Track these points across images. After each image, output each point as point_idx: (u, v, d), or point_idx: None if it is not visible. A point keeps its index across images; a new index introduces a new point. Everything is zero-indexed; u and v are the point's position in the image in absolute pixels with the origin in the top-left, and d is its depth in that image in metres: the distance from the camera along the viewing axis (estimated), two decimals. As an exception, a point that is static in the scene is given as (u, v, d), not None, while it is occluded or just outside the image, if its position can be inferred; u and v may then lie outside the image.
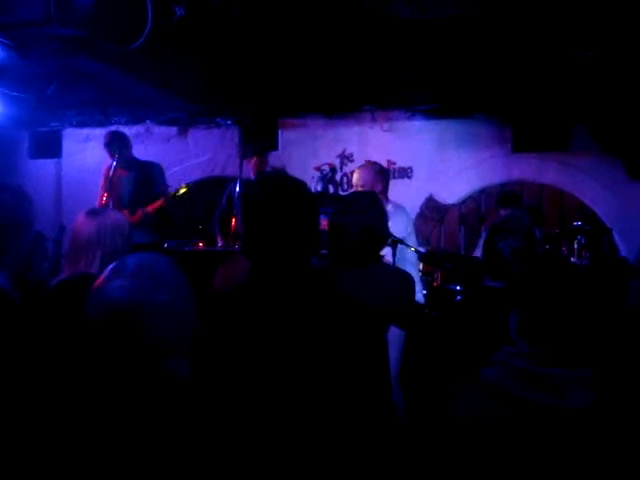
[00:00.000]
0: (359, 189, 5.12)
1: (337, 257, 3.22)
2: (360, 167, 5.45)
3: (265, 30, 5.44)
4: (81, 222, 3.21)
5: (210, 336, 2.21)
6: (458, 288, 6.12)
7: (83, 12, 3.86)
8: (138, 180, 6.50)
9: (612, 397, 1.93)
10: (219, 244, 6.59)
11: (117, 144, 6.52)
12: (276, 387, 2.05)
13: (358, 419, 2.10)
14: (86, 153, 8.77)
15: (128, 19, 4.15)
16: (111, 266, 1.83)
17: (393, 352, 2.99)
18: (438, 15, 5.25)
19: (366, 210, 3.14)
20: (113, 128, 8.36)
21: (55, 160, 9.01)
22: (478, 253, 6.96)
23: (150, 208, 6.19)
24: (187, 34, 5.02)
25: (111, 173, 6.47)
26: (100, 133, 8.64)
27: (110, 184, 6.50)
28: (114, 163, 6.48)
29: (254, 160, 6.82)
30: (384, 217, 3.28)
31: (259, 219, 2.18)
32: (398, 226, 4.79)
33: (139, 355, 1.69)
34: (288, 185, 2.26)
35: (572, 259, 6.24)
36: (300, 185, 2.30)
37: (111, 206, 6.35)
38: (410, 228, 5.19)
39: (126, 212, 6.09)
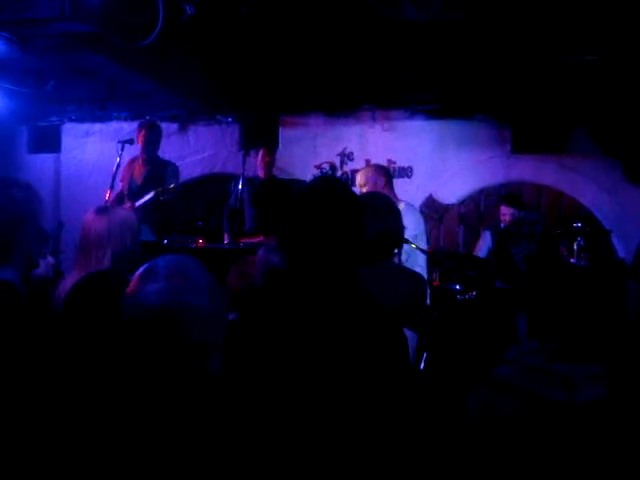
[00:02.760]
0: (362, 190, 5.15)
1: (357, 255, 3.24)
2: (363, 168, 5.50)
3: (269, 29, 5.46)
4: (91, 219, 3.21)
5: (239, 332, 2.22)
6: (458, 287, 6.13)
7: (95, 9, 3.87)
8: (149, 176, 6.52)
9: (620, 393, 1.96)
10: (226, 242, 6.61)
11: (155, 134, 6.59)
12: (307, 388, 2.07)
13: (384, 421, 2.12)
14: (85, 148, 8.75)
15: (139, 17, 4.16)
16: (142, 269, 1.86)
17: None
18: (441, 17, 5.29)
19: (384, 209, 3.17)
20: (113, 123, 8.40)
21: (54, 155, 8.96)
22: (475, 253, 7.00)
23: (136, 203, 6.18)
24: (190, 31, 5.03)
25: (128, 161, 6.55)
26: (99, 128, 8.67)
27: (123, 172, 6.56)
28: (138, 155, 6.52)
29: (261, 153, 6.83)
30: (400, 217, 3.31)
31: (307, 217, 2.19)
32: (410, 225, 4.83)
33: (176, 357, 1.71)
34: (340, 189, 2.29)
35: (571, 260, 6.28)
36: (351, 190, 2.33)
37: (114, 198, 6.39)
38: (420, 228, 5.22)
39: (128, 206, 6.12)
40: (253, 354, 2.09)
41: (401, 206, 5.11)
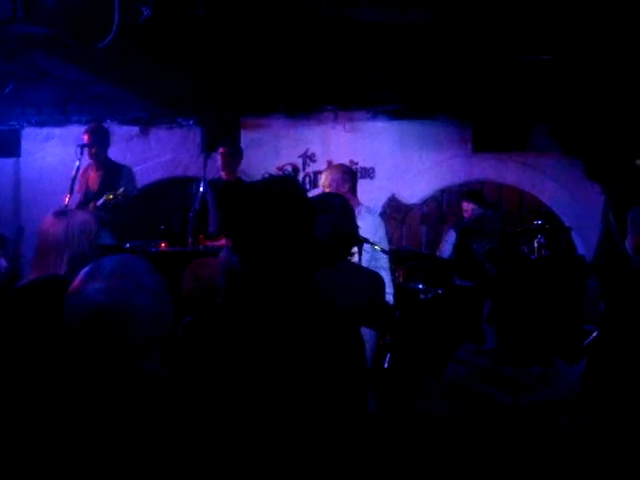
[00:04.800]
0: (326, 190, 5.15)
1: (310, 256, 3.24)
2: (328, 169, 5.50)
3: (229, 31, 5.45)
4: (49, 223, 3.17)
5: (187, 336, 2.21)
6: (420, 286, 6.17)
7: (50, 11, 3.83)
8: (104, 181, 6.45)
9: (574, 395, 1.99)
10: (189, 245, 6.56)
11: (99, 138, 6.50)
12: (257, 388, 2.07)
13: (339, 422, 2.12)
14: (46, 153, 8.64)
15: (95, 18, 4.13)
16: (87, 269, 1.84)
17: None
18: (399, 19, 5.32)
19: (337, 209, 3.16)
20: (73, 127, 8.31)
21: (14, 159, 8.85)
22: (440, 252, 7.05)
23: (97, 203, 6.11)
24: (149, 34, 5.00)
25: (81, 171, 6.46)
26: (60, 132, 8.57)
27: (79, 182, 6.49)
28: (90, 161, 6.46)
29: (219, 151, 6.77)
30: (352, 217, 3.30)
31: (258, 219, 2.18)
32: (369, 229, 4.84)
33: (118, 356, 1.70)
34: (291, 189, 2.28)
35: (532, 257, 6.35)
36: (302, 190, 2.33)
37: (73, 206, 6.30)
38: (382, 232, 5.24)
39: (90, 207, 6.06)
40: (204, 356, 2.07)
41: (361, 210, 5.14)
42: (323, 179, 5.30)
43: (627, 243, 2.63)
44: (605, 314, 3.68)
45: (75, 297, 1.77)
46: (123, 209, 6.19)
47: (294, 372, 2.05)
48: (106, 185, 6.32)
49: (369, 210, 5.27)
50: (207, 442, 1.78)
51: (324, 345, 2.10)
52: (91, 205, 6.12)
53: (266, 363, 2.08)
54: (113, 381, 1.71)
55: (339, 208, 3.18)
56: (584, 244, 7.20)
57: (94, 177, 6.55)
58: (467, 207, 6.93)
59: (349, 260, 3.36)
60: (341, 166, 5.58)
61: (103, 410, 1.67)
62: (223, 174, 6.85)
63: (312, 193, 6.80)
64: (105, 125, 7.47)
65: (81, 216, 3.29)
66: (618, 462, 1.92)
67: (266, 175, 2.50)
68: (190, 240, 6.58)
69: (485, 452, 1.85)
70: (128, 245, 6.20)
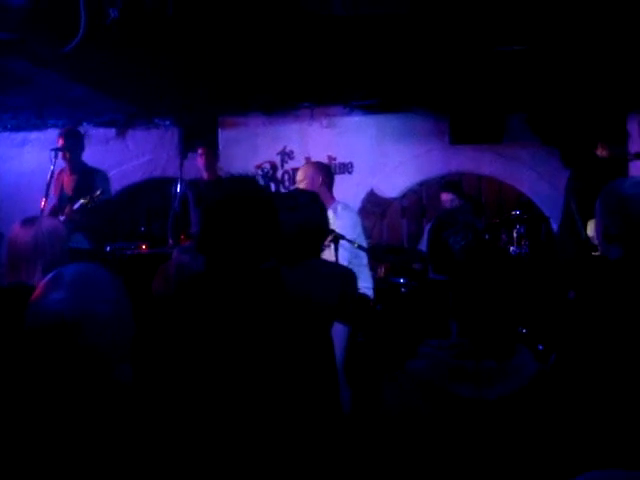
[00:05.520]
0: (301, 186, 5.16)
1: (277, 253, 3.24)
2: (303, 165, 5.50)
3: (201, 29, 5.42)
4: (17, 232, 3.15)
5: (154, 338, 2.21)
6: (402, 281, 6.18)
7: (15, 15, 3.80)
8: (78, 185, 6.42)
9: (536, 387, 1.99)
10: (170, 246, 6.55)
11: (73, 142, 6.47)
12: (224, 386, 2.07)
13: (305, 413, 2.13)
14: (22, 158, 8.60)
15: (61, 22, 4.10)
16: (47, 278, 1.84)
17: (337, 347, 3.03)
18: (371, 12, 5.30)
19: (303, 206, 3.16)
20: (50, 131, 8.27)
21: (-10, 165, 8.82)
22: (421, 246, 7.06)
23: (74, 207, 6.07)
24: (122, 35, 4.97)
25: (56, 174, 6.44)
26: (36, 137, 8.53)
27: (54, 186, 6.46)
28: (64, 165, 6.44)
29: (200, 152, 6.77)
30: (323, 212, 3.30)
31: (217, 219, 2.18)
32: (347, 226, 4.85)
33: (81, 366, 1.69)
34: (248, 187, 2.28)
35: (512, 248, 6.36)
36: (259, 187, 2.33)
37: (49, 210, 6.27)
38: (360, 229, 5.25)
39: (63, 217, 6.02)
40: (167, 357, 2.08)
41: (337, 207, 5.15)
42: (299, 175, 5.32)
43: (595, 229, 2.64)
44: (570, 301, 3.70)
45: (35, 307, 1.77)
46: (100, 212, 6.17)
47: (256, 369, 2.06)
48: (81, 189, 6.29)
49: (346, 207, 5.27)
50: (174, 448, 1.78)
51: (286, 340, 2.11)
52: (67, 209, 6.09)
53: (228, 357, 2.08)
54: (80, 391, 1.71)
55: (305, 205, 3.17)
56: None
57: (68, 181, 6.52)
58: (446, 198, 6.94)
59: (319, 256, 3.35)
60: (317, 163, 5.59)
61: (70, 421, 1.66)
62: (205, 174, 6.84)
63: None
64: (81, 128, 7.45)
65: (49, 223, 3.26)
66: (585, 452, 1.93)
67: (227, 175, 2.48)
68: (171, 241, 6.58)
69: (446, 447, 1.86)
70: (108, 248, 6.19)
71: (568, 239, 5.66)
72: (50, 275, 1.82)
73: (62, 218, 5.99)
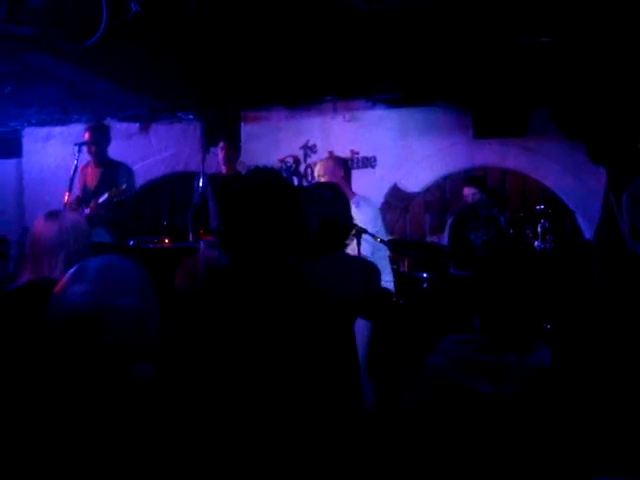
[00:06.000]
0: (321, 180, 5.14)
1: (301, 248, 3.21)
2: (322, 160, 5.48)
3: (223, 22, 5.41)
4: (40, 225, 3.15)
5: (177, 335, 2.20)
6: (425, 275, 6.14)
7: (36, 10, 3.81)
8: (103, 179, 6.44)
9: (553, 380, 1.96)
10: (190, 240, 6.56)
11: (99, 135, 6.50)
12: (247, 383, 2.05)
13: (328, 409, 2.11)
14: (47, 152, 8.67)
15: (83, 16, 4.10)
16: (71, 271, 1.81)
17: (360, 342, 3.00)
18: (392, 6, 5.26)
19: (328, 199, 3.13)
20: (74, 126, 8.31)
21: (15, 160, 8.88)
22: (443, 240, 7.01)
23: (99, 200, 6.10)
24: (143, 29, 4.97)
25: (80, 167, 6.48)
26: (60, 131, 8.58)
27: (78, 179, 6.50)
28: (90, 159, 6.46)
29: (221, 146, 6.76)
30: (347, 206, 3.27)
31: (241, 211, 2.16)
32: (367, 220, 4.82)
33: (103, 360, 1.67)
34: (273, 181, 2.26)
35: (536, 243, 6.30)
36: (284, 180, 2.31)
37: (72, 204, 6.30)
38: (380, 222, 5.22)
39: (87, 210, 6.06)
40: (191, 351, 2.07)
41: (359, 201, 5.12)
42: (318, 169, 5.29)
43: (623, 225, 2.59)
44: (597, 293, 3.66)
45: (58, 299, 1.75)
46: (123, 206, 6.19)
47: (279, 364, 2.04)
48: (105, 183, 6.32)
49: (366, 201, 5.24)
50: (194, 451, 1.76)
51: (309, 335, 2.09)
52: (92, 203, 6.12)
53: (250, 351, 2.07)
54: (99, 385, 1.69)
55: (329, 198, 3.14)
56: (589, 228, 7.14)
57: (93, 174, 6.55)
58: (468, 192, 6.87)
59: (343, 250, 3.32)
60: (335, 157, 5.58)
61: (89, 416, 1.65)
62: (224, 169, 6.83)
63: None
64: (105, 123, 7.47)
65: (72, 217, 3.27)
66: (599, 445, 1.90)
67: (251, 167, 2.44)
68: (191, 235, 6.59)
69: (464, 443, 1.83)
70: (131, 242, 6.21)
71: (607, 233, 5.56)
72: (74, 268, 1.80)
73: (86, 211, 6.02)
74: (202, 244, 3.41)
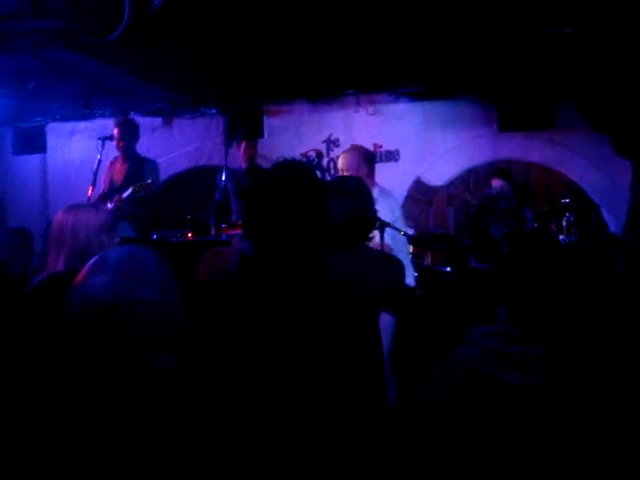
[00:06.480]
0: (344, 173, 5.10)
1: (325, 240, 3.20)
2: (345, 151, 5.43)
3: (246, 16, 5.40)
4: (57, 216, 3.16)
5: (199, 327, 2.20)
6: (448, 270, 6.11)
7: (59, 5, 3.82)
8: (129, 174, 6.48)
9: (577, 375, 1.93)
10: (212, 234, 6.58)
11: (128, 131, 6.54)
12: (271, 376, 2.05)
13: (352, 404, 2.10)
14: (71, 147, 8.73)
15: (105, 10, 4.11)
16: (92, 261, 1.79)
17: (384, 337, 2.98)
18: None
19: (352, 192, 3.11)
20: (97, 121, 8.36)
21: (40, 155, 8.95)
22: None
23: (123, 195, 6.13)
24: (166, 23, 4.98)
25: (109, 163, 6.53)
26: (84, 126, 8.63)
27: (105, 174, 6.55)
28: (118, 154, 6.54)
29: (243, 145, 6.79)
30: (371, 199, 3.25)
31: (267, 201, 2.16)
32: (385, 210, 4.77)
33: (124, 352, 1.66)
34: (300, 173, 2.25)
35: (561, 236, 6.24)
36: (311, 173, 2.29)
37: (96, 198, 6.34)
38: (398, 212, 5.18)
39: (111, 205, 6.09)
40: (212, 343, 2.06)
41: (375, 192, 5.08)
42: (340, 162, 5.24)
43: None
44: (624, 286, 3.60)
45: (78, 291, 1.73)
46: (147, 201, 6.22)
47: (302, 356, 2.03)
48: (131, 178, 6.35)
49: (383, 191, 5.19)
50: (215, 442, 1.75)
51: (332, 327, 2.08)
52: (116, 197, 6.15)
53: (275, 343, 2.06)
54: (121, 378, 1.68)
55: (353, 191, 3.13)
56: (615, 221, 7.07)
57: (120, 169, 6.60)
58: (497, 184, 6.80)
59: (367, 244, 3.31)
60: (357, 148, 5.51)
61: (111, 408, 1.64)
62: (244, 164, 6.86)
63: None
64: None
65: (82, 212, 3.16)
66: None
67: (280, 159, 2.42)
68: (213, 229, 6.61)
69: (492, 436, 1.81)
70: (154, 236, 6.23)
71: (633, 227, 5.49)
72: (95, 258, 1.78)
73: (110, 206, 6.05)
74: (236, 237, 3.38)
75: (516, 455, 1.78)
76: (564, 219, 6.30)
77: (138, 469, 1.58)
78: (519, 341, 1.90)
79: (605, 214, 7.33)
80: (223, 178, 6.60)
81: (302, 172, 2.31)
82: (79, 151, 8.51)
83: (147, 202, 6.23)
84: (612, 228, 7.14)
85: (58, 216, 3.12)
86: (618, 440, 1.79)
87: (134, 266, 1.76)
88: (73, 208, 3.21)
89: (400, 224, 5.07)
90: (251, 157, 6.78)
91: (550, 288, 2.05)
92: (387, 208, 4.94)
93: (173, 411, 1.66)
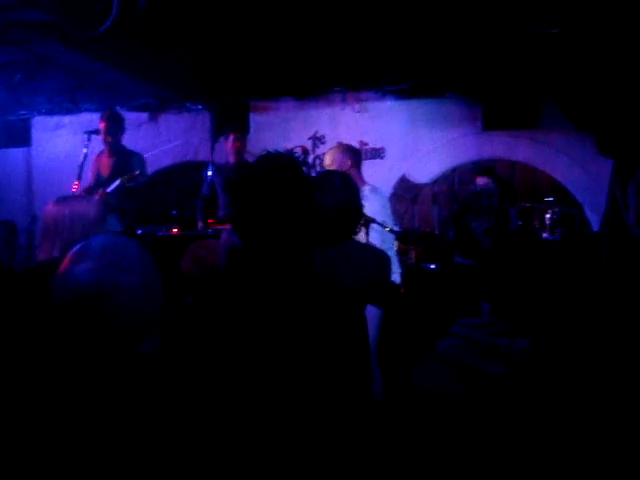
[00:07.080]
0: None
1: (313, 234, 3.22)
2: (331, 149, 5.45)
3: (232, 12, 5.41)
4: (46, 209, 3.17)
5: (186, 315, 2.21)
6: (433, 267, 6.15)
7: (48, -3, 3.82)
8: (116, 167, 6.47)
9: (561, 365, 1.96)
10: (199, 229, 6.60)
11: (114, 124, 6.52)
12: (255, 366, 2.06)
13: (338, 397, 2.11)
14: (56, 141, 8.70)
15: (93, 5, 4.11)
16: (75, 249, 1.81)
17: (370, 330, 3.01)
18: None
19: (337, 187, 3.14)
20: (83, 115, 8.34)
21: (25, 149, 8.92)
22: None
23: (107, 189, 6.13)
24: (154, 18, 4.98)
25: (95, 156, 6.52)
26: (69, 120, 8.61)
27: (92, 167, 6.54)
28: (104, 148, 6.49)
29: (231, 138, 6.79)
30: (356, 194, 3.27)
31: (253, 194, 2.17)
32: (377, 207, 4.80)
33: (109, 338, 1.68)
34: (284, 165, 2.26)
35: (544, 234, 6.30)
36: (296, 165, 2.31)
37: (82, 192, 6.33)
38: (387, 211, 5.20)
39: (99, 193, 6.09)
40: (204, 331, 2.08)
41: (365, 190, 5.10)
42: (326, 159, 5.26)
43: (629, 215, 2.59)
44: (605, 283, 3.65)
45: (62, 278, 1.75)
46: (132, 195, 6.22)
47: (289, 346, 2.05)
48: (117, 171, 6.35)
49: (374, 190, 5.22)
50: (210, 420, 1.77)
51: (318, 320, 2.09)
52: (100, 191, 6.15)
53: (262, 335, 2.08)
54: (107, 362, 1.70)
55: (340, 186, 3.15)
56: (597, 220, 7.12)
57: (106, 163, 6.59)
58: (481, 182, 6.84)
59: (354, 238, 3.33)
60: (344, 145, 5.52)
61: (98, 394, 1.66)
62: (231, 159, 6.86)
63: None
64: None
65: (78, 204, 3.18)
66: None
67: (264, 152, 2.44)
68: (200, 224, 6.62)
69: (477, 425, 1.84)
70: (139, 231, 6.23)
71: (612, 224, 5.54)
72: (77, 246, 1.81)
73: (99, 193, 6.06)
74: (225, 231, 3.40)
75: (500, 443, 1.81)
76: (547, 217, 6.36)
77: (127, 454, 1.60)
78: (504, 334, 1.93)
79: (588, 213, 7.39)
80: (209, 173, 6.60)
81: (286, 164, 2.32)
82: (64, 145, 8.48)
83: (134, 195, 6.23)
84: (595, 227, 7.20)
85: (50, 208, 3.12)
86: (600, 428, 1.83)
87: (116, 253, 1.78)
88: (67, 200, 3.23)
89: (389, 222, 5.10)
90: (239, 150, 6.78)
91: (531, 282, 2.09)
92: (379, 205, 4.97)
93: (160, 395, 1.68)
